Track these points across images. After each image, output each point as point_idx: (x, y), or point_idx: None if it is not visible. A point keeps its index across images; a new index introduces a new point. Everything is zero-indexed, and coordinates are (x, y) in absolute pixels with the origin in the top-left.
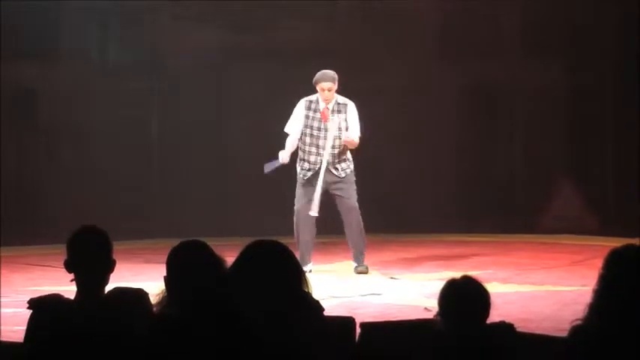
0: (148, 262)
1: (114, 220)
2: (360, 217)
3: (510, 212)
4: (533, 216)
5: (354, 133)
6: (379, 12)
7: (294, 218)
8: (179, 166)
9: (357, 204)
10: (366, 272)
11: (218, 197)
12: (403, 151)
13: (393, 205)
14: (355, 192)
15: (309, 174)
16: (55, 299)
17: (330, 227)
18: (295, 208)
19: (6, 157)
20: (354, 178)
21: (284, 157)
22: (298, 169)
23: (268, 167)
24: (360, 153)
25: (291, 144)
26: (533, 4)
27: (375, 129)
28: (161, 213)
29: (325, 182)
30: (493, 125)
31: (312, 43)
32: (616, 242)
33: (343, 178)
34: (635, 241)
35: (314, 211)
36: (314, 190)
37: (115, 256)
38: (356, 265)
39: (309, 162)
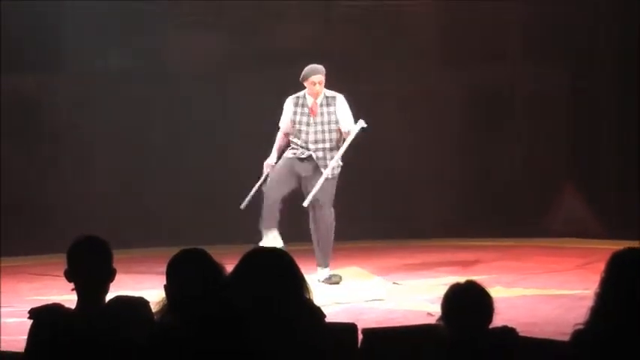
0: (149, 270)
1: (116, 227)
2: (332, 223)
3: (514, 216)
4: (537, 220)
5: (348, 126)
6: (379, 16)
7: (265, 196)
8: (182, 173)
9: (331, 209)
10: (339, 282)
11: (219, 204)
12: (405, 156)
13: (396, 210)
14: (333, 196)
15: (293, 156)
16: (56, 309)
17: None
18: (268, 184)
19: (9, 166)
20: (336, 181)
21: (267, 166)
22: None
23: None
24: (362, 158)
25: (279, 141)
26: (535, 9)
27: (376, 134)
28: (163, 221)
29: (306, 176)
30: (495, 130)
31: (313, 47)
32: (619, 245)
33: (329, 179)
34: (636, 243)
35: (307, 202)
36: (290, 175)
37: (116, 264)
38: (328, 276)
39: (295, 150)
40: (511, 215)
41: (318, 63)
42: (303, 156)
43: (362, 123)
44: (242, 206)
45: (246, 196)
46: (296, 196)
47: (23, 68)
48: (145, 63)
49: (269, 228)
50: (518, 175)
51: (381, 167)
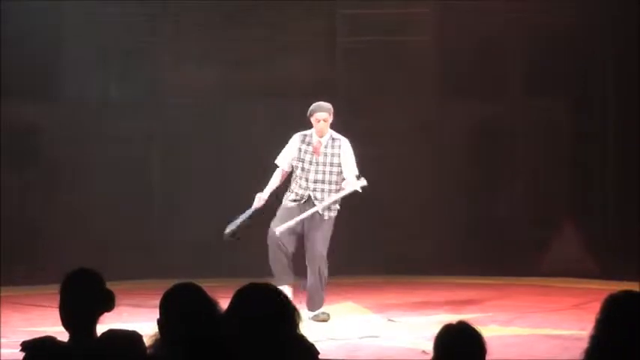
0: (145, 302)
1: (113, 259)
2: (326, 267)
3: (512, 254)
4: (535, 258)
5: (349, 174)
6: (381, 50)
7: (268, 240)
8: (179, 204)
9: (325, 252)
10: (327, 320)
11: (217, 237)
12: (405, 192)
13: (396, 246)
14: (328, 240)
15: (294, 204)
16: (49, 341)
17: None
18: (270, 229)
19: (6, 195)
20: (333, 224)
21: (259, 200)
22: (284, 198)
23: (229, 228)
24: (362, 194)
25: (275, 179)
26: (537, 45)
27: (377, 170)
28: (159, 253)
29: (307, 218)
30: (495, 167)
31: (314, 81)
32: (616, 286)
33: (325, 220)
34: (635, 285)
35: (279, 229)
36: (296, 224)
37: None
38: (315, 314)
39: (296, 193)
40: (509, 253)
41: (319, 97)
42: (302, 201)
43: (363, 182)
44: (226, 232)
45: (231, 223)
46: None
47: (23, 97)
48: (144, 94)
49: (283, 283)
50: (517, 212)
51: (379, 202)
